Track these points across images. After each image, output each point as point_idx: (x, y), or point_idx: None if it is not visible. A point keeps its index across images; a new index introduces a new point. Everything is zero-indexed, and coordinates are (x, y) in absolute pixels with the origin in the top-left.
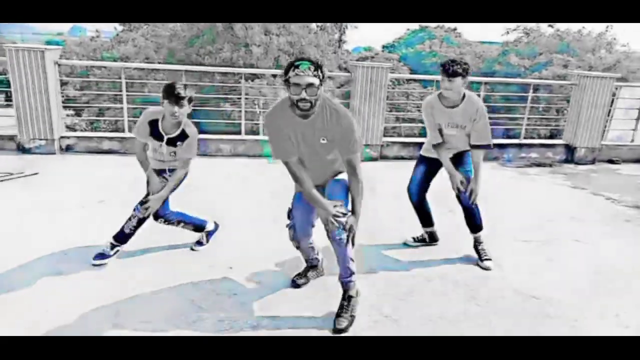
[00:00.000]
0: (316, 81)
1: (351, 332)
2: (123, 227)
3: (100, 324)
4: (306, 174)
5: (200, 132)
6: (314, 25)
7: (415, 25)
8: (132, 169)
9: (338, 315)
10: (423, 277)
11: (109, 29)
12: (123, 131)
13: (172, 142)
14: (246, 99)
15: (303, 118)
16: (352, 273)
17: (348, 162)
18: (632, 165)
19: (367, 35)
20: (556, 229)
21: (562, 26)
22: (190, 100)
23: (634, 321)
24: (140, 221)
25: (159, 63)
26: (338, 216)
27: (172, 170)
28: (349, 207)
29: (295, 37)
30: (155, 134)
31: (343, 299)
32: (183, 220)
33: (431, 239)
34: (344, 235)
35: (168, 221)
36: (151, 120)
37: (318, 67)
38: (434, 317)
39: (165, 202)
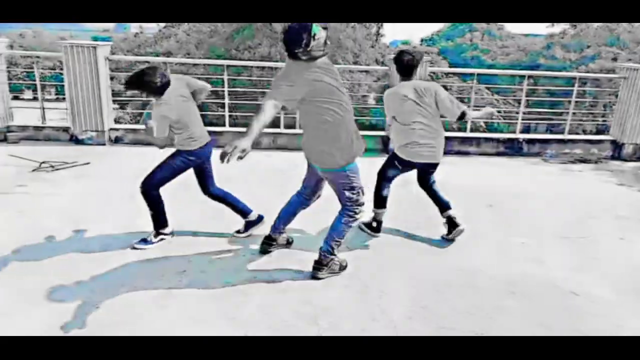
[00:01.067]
0: None
1: (387, 322)
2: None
3: (148, 308)
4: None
5: (240, 125)
6: None
7: None
8: None
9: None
10: (461, 270)
11: (151, 26)
12: None
13: None
14: None
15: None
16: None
17: None
18: None
19: (406, 29)
20: (600, 227)
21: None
22: None
23: None
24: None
25: (200, 58)
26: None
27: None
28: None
29: (332, 31)
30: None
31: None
32: (225, 199)
33: (452, 224)
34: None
35: (214, 196)
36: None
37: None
38: (473, 310)
39: (211, 178)
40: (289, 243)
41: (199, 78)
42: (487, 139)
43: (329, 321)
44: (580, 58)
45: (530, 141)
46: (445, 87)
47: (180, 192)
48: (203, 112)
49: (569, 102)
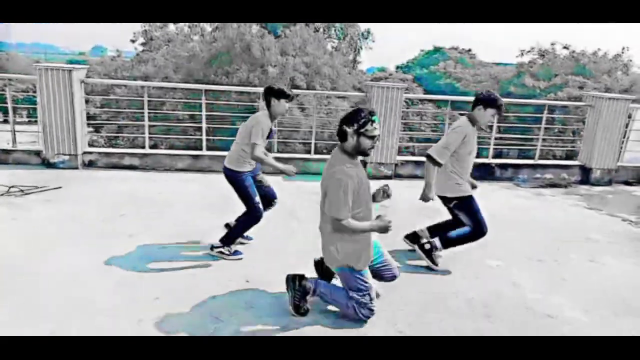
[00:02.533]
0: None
1: (368, 344)
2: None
3: (123, 332)
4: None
5: (218, 149)
6: (329, 46)
7: (429, 46)
8: (152, 184)
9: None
10: (437, 293)
11: (129, 49)
12: (143, 147)
13: (271, 134)
14: None
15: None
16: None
17: None
18: None
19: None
20: (571, 250)
21: (577, 48)
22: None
23: None
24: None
25: (178, 82)
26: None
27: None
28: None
29: (311, 58)
30: (272, 132)
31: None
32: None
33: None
34: None
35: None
36: (267, 123)
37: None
38: (451, 333)
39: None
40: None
41: (177, 102)
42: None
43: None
44: (549, 86)
45: (503, 166)
46: (420, 114)
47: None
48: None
49: (539, 128)
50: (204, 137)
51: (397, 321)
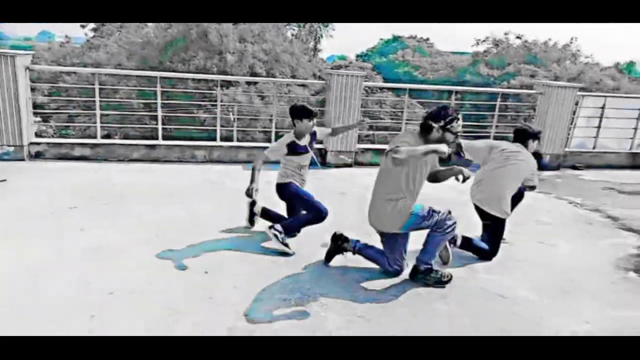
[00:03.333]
0: None
1: (325, 332)
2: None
3: (75, 330)
4: None
5: (175, 138)
6: (289, 33)
7: (388, 35)
8: (105, 175)
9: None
10: (397, 277)
11: (79, 35)
12: (95, 137)
13: (306, 150)
14: (221, 105)
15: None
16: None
17: None
18: (593, 171)
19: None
20: (522, 232)
21: (529, 37)
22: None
23: (592, 317)
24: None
25: (131, 70)
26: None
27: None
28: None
29: (270, 45)
30: (298, 150)
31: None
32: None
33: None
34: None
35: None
36: (289, 143)
37: None
38: (407, 316)
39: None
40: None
41: (131, 90)
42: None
43: (267, 335)
44: (503, 75)
45: (458, 152)
46: (380, 102)
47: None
48: (136, 126)
49: (493, 115)
50: (159, 126)
51: (355, 305)
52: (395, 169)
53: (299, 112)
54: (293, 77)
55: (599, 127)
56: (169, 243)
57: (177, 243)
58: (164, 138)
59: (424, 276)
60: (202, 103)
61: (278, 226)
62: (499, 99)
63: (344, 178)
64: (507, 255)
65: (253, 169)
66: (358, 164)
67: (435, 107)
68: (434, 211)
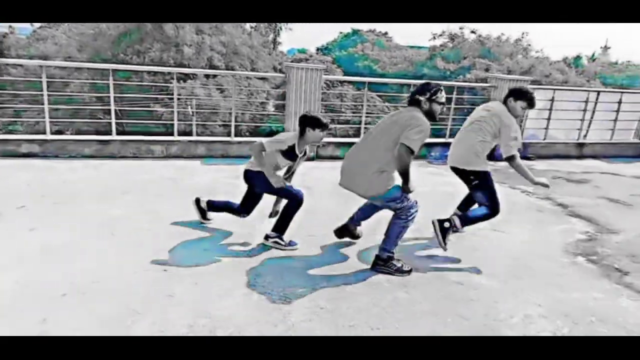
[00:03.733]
0: None
1: (287, 327)
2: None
3: (26, 333)
4: None
5: (130, 133)
6: (247, 26)
7: (347, 29)
8: (55, 173)
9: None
10: (357, 269)
11: (24, 25)
12: (44, 133)
13: (296, 159)
14: (178, 99)
15: None
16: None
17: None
18: (544, 161)
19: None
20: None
21: (483, 32)
22: None
23: (544, 300)
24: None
25: (83, 62)
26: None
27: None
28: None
29: (229, 37)
30: (290, 155)
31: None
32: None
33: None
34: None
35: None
36: (291, 145)
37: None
38: (369, 306)
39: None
40: (358, 237)
41: (83, 83)
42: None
43: (229, 332)
44: (459, 68)
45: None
46: (341, 95)
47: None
48: (88, 120)
49: (449, 108)
50: (113, 120)
51: (318, 297)
52: (394, 149)
53: (313, 122)
54: (253, 70)
55: (548, 119)
56: (125, 242)
57: (133, 241)
58: (119, 133)
59: (385, 264)
60: (159, 96)
61: (271, 233)
62: (454, 92)
63: (305, 172)
64: (463, 244)
65: (262, 164)
66: (320, 157)
67: (419, 84)
68: (406, 197)
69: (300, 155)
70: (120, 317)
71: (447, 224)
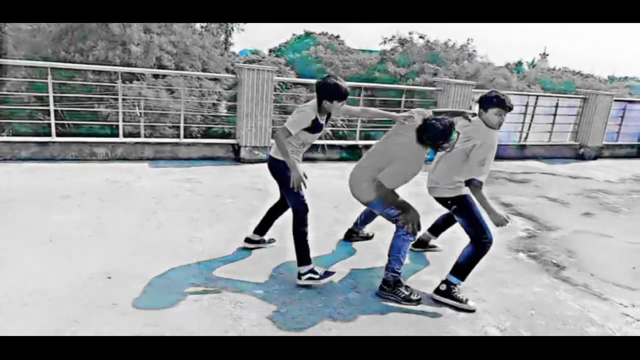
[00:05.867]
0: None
1: (238, 332)
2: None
3: None
4: None
5: (72, 135)
6: (198, 25)
7: (300, 31)
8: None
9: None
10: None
11: None
12: None
13: (322, 128)
14: (124, 99)
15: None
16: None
17: None
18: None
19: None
20: (428, 222)
21: (431, 37)
22: None
23: (488, 296)
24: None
25: (20, 59)
26: None
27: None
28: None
29: (179, 37)
30: (316, 128)
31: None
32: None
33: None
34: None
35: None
36: (314, 119)
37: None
38: (320, 306)
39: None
40: (369, 237)
41: (20, 82)
42: (331, 146)
43: (178, 340)
44: (409, 72)
45: (369, 147)
46: (295, 97)
47: None
48: (25, 121)
49: (399, 111)
50: (52, 121)
51: (270, 300)
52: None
53: (333, 93)
54: (204, 71)
55: None
56: (65, 249)
57: (74, 248)
58: (60, 135)
59: (392, 290)
60: (105, 96)
61: (302, 269)
62: (404, 96)
63: (259, 174)
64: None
65: (285, 153)
66: None
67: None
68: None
69: (324, 124)
70: (59, 328)
71: (443, 287)
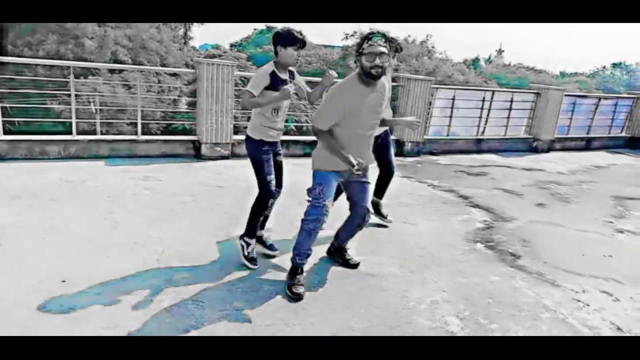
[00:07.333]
0: (386, 50)
1: (200, 332)
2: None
3: None
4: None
5: (21, 133)
6: None
7: (262, 26)
8: None
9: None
10: (273, 267)
11: None
12: None
13: (286, 83)
14: (78, 96)
15: (368, 85)
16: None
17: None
18: (448, 156)
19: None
20: (389, 214)
21: (392, 33)
22: None
23: (447, 285)
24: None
25: None
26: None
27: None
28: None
29: (135, 31)
30: (278, 83)
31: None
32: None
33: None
34: None
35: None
36: (271, 73)
37: (388, 39)
38: (283, 304)
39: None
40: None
41: None
42: (295, 142)
43: (137, 343)
44: None
45: None
46: None
47: None
48: None
49: None
50: None
51: (232, 298)
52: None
53: (284, 38)
54: (163, 66)
55: (450, 116)
56: (15, 252)
57: (25, 252)
58: (7, 133)
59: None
60: (57, 92)
61: (245, 238)
62: None
63: (220, 171)
64: (376, 236)
65: (260, 103)
66: (235, 155)
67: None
68: (321, 190)
69: (290, 80)
70: (17, 332)
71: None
